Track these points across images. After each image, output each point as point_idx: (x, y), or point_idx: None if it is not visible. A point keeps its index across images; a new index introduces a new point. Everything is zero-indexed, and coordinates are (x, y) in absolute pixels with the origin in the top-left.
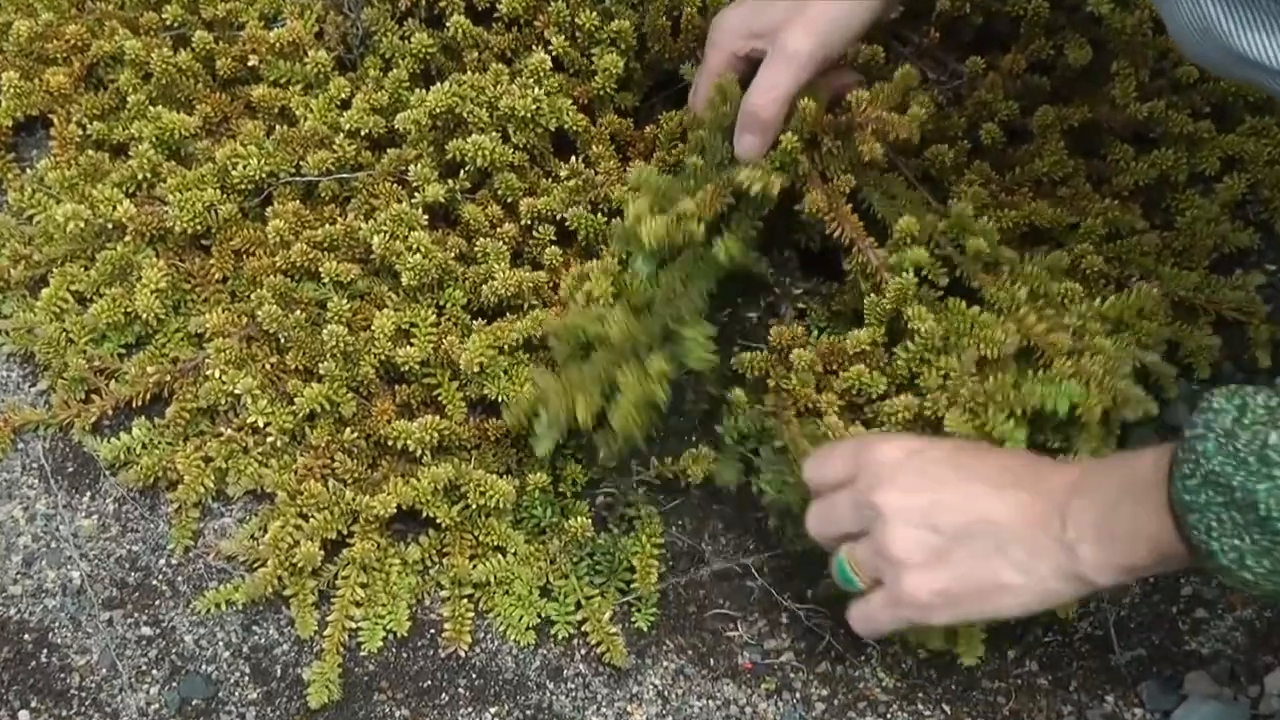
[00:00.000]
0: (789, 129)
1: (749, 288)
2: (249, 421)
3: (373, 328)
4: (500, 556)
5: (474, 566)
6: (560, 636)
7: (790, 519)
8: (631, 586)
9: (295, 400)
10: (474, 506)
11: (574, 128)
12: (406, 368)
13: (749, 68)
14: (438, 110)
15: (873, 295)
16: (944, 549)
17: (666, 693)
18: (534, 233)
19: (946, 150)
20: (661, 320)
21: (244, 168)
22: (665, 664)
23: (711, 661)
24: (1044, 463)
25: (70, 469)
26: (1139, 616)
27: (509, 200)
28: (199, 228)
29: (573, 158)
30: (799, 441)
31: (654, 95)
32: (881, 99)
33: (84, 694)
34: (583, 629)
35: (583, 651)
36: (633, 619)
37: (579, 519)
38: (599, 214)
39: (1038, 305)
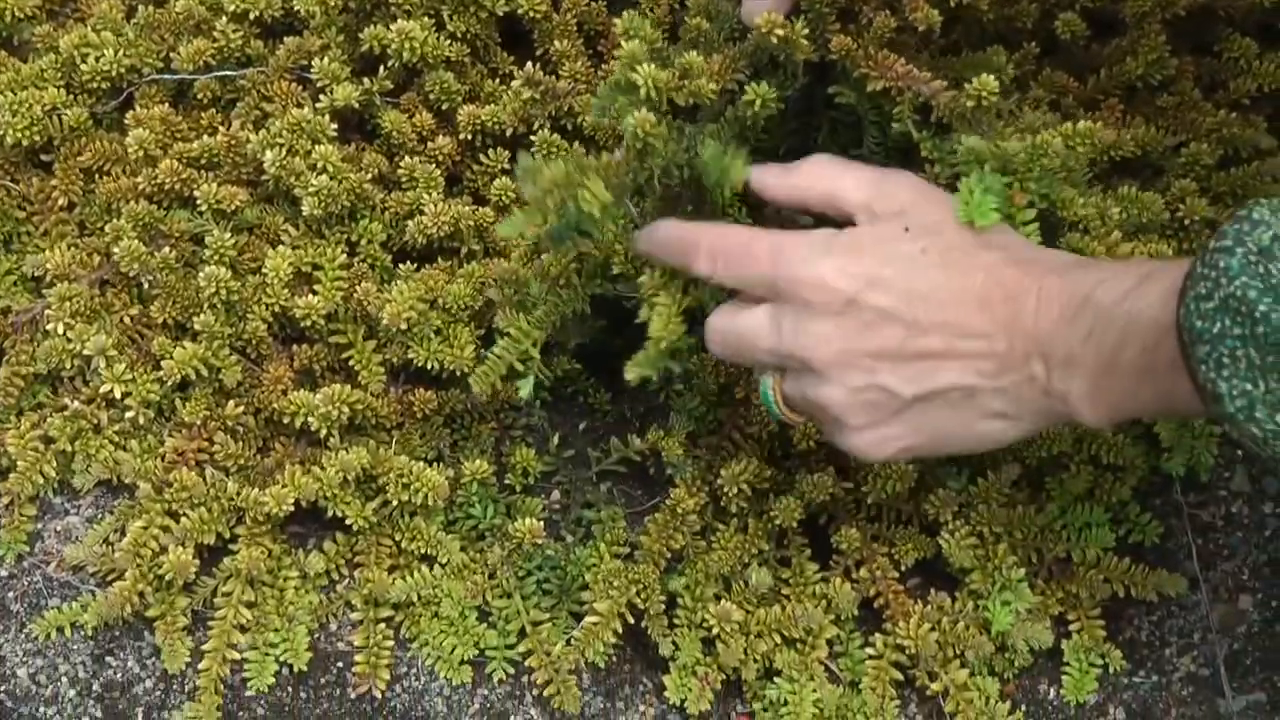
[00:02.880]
0: None
1: None
2: (102, 391)
3: (264, 270)
4: (427, 569)
5: (394, 581)
6: (499, 677)
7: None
8: (585, 609)
9: (162, 364)
10: (395, 504)
11: (530, 13)
12: (308, 323)
13: None
14: None
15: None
16: (897, 411)
17: None
18: (480, 156)
19: (1004, 58)
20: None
21: (96, 60)
22: (641, 710)
23: None
24: (1030, 283)
25: None
26: (1257, 650)
27: (444, 107)
28: (37, 139)
29: (529, 63)
30: None
31: None
32: None
33: None
34: (527, 664)
35: (534, 693)
36: (588, 654)
37: (528, 521)
38: (574, 141)
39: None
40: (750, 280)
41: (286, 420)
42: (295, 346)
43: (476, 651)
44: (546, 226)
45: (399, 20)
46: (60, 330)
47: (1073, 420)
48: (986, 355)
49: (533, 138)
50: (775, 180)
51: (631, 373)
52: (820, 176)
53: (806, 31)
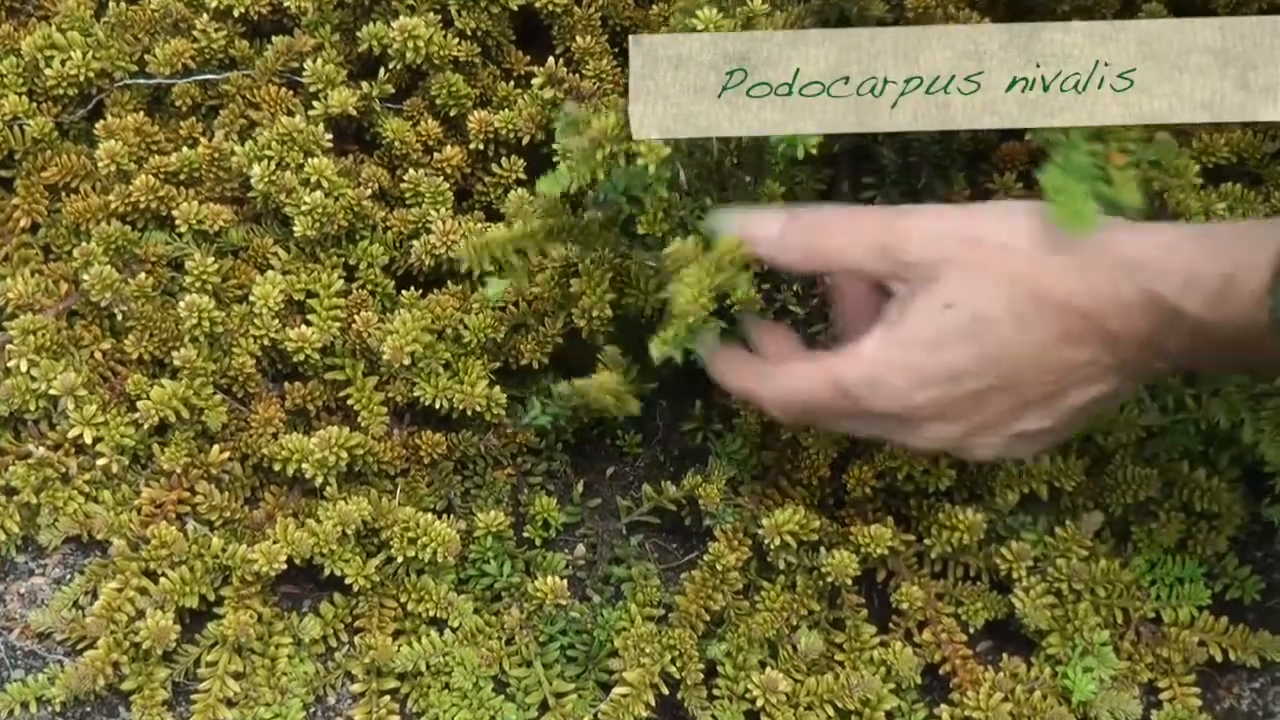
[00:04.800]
0: None
1: None
2: (70, 436)
3: (252, 298)
4: (436, 634)
5: (399, 648)
6: None
7: None
8: (614, 679)
9: (138, 405)
10: (400, 560)
11: (548, 7)
12: (301, 357)
13: None
14: None
15: None
16: (1049, 430)
17: None
18: (493, 167)
19: None
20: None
21: (62, 64)
22: None
23: None
24: (1103, 303)
25: None
26: None
27: (452, 113)
28: None
29: (550, 59)
30: None
31: None
32: None
33: None
34: None
35: None
36: None
37: (549, 579)
38: None
39: None
40: (834, 416)
41: (278, 467)
42: (287, 384)
43: None
44: (590, 190)
45: (401, 17)
46: (23, 368)
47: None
48: (1103, 373)
49: (554, 145)
50: (772, 245)
51: (657, 349)
52: (826, 250)
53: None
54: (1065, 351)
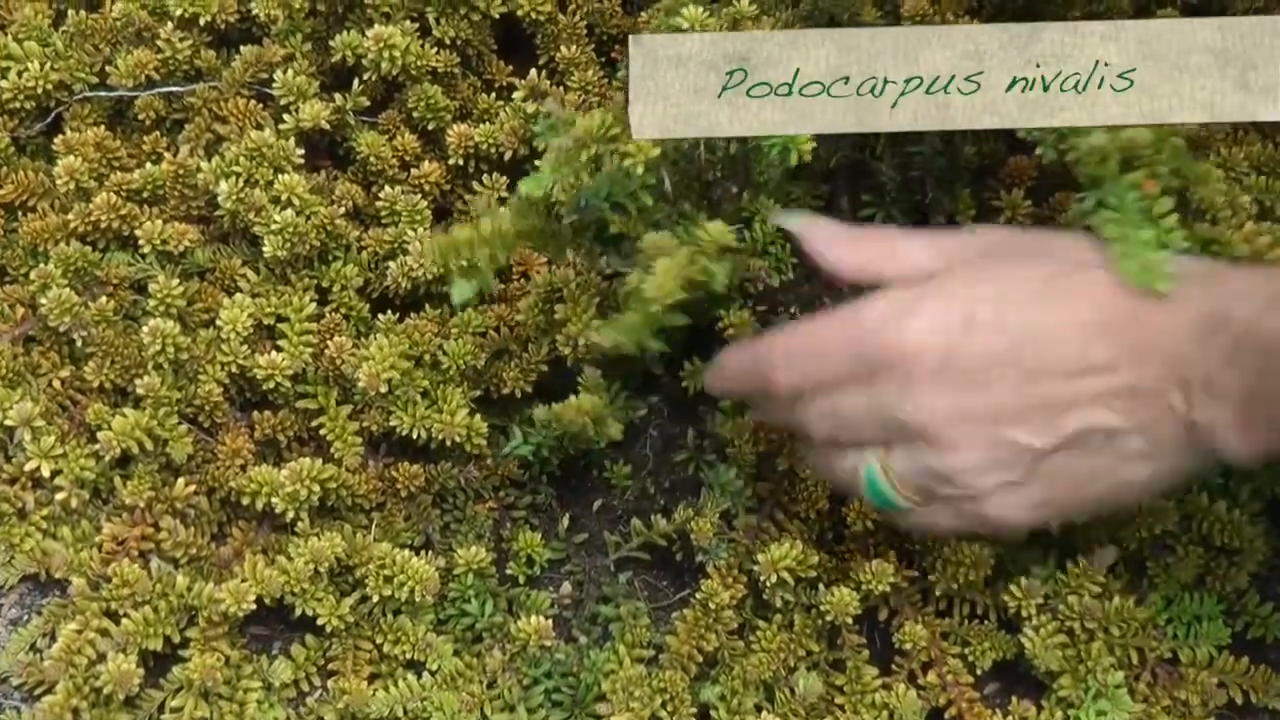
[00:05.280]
0: None
1: None
2: (27, 469)
3: (219, 323)
4: (414, 677)
5: (375, 693)
6: None
7: None
8: None
9: (99, 436)
10: (375, 600)
11: (531, 14)
12: (271, 385)
13: None
14: None
15: None
16: (1032, 465)
17: None
18: (473, 184)
19: None
20: None
21: (19, 76)
22: None
23: None
24: (1153, 296)
25: None
26: None
27: (430, 126)
28: None
29: (533, 71)
30: None
31: None
32: None
33: None
34: None
35: None
36: None
37: (533, 618)
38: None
39: None
40: (837, 371)
41: (246, 501)
42: (256, 413)
43: None
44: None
45: (376, 25)
46: None
47: (1218, 457)
48: (1116, 391)
49: (537, 162)
50: (836, 251)
51: (606, 336)
52: (884, 250)
53: None
54: (1089, 345)
